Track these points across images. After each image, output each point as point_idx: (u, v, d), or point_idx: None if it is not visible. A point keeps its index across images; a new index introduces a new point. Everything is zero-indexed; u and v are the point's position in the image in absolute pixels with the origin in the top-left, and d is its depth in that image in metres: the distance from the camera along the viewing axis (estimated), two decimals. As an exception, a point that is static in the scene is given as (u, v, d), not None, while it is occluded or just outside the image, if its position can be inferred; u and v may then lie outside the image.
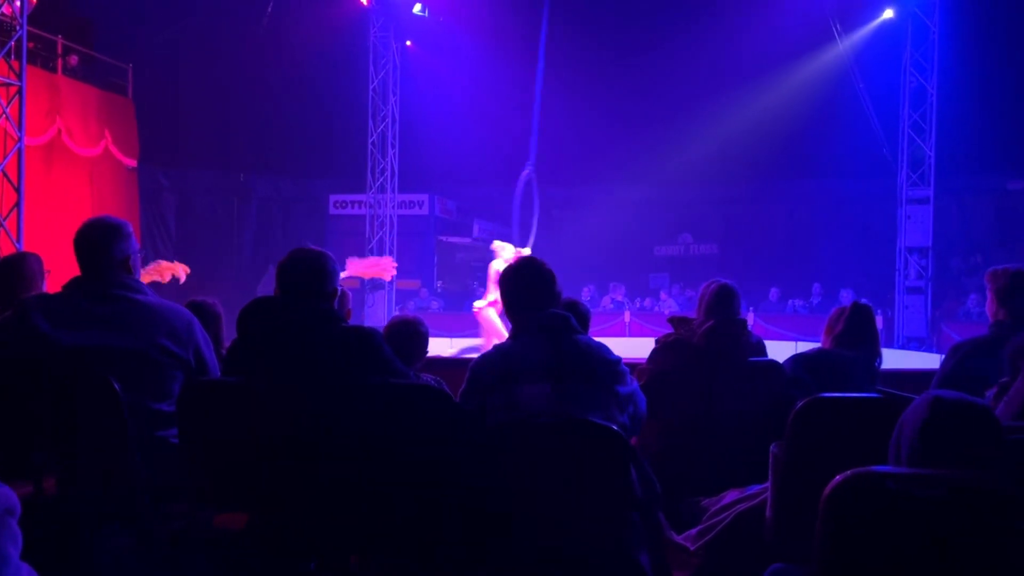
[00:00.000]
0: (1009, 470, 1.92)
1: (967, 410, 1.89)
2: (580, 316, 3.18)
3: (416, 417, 2.44)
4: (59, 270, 3.86)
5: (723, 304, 3.70)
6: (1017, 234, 15.77)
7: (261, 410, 2.52)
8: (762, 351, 3.97)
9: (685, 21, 14.67)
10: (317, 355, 2.49)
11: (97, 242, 2.75)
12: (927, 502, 1.82)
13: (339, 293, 2.77)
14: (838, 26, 13.49)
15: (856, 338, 3.57)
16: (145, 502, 2.60)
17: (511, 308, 2.75)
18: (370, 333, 2.57)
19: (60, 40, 12.17)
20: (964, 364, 3.49)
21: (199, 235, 17.61)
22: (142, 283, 2.82)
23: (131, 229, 2.86)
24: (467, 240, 18.23)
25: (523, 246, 10.07)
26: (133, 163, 13.95)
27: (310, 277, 2.60)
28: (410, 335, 3.27)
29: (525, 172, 10.45)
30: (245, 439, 2.54)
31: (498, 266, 8.87)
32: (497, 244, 9.35)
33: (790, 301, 15.11)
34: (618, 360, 2.72)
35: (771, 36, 14.11)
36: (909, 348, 12.69)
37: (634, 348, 14.23)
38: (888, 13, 13.44)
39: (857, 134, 14.72)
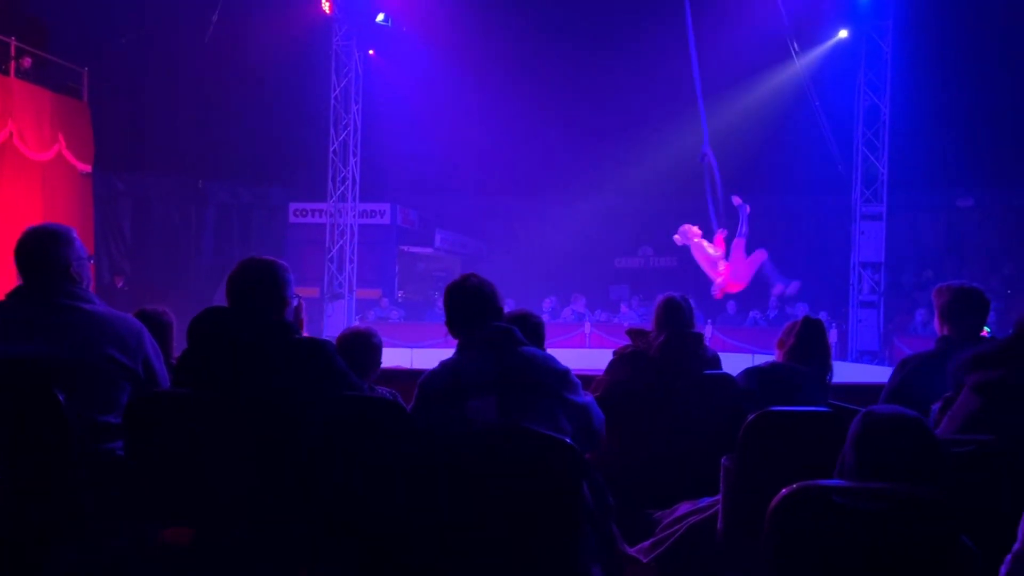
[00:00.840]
0: (947, 482, 1.97)
1: (899, 423, 1.93)
2: (530, 328, 3.19)
3: (369, 430, 2.42)
4: (8, 278, 3.77)
5: (672, 317, 3.74)
6: (966, 250, 16.20)
7: (210, 422, 2.49)
8: (717, 364, 4.02)
9: (646, 34, 14.81)
10: (268, 367, 2.47)
11: (38, 250, 2.67)
12: (870, 515, 1.85)
13: (293, 303, 2.74)
14: (795, 45, 13.75)
15: (807, 352, 3.64)
16: (91, 516, 2.54)
17: (454, 325, 2.77)
18: (322, 345, 2.55)
19: (13, 42, 11.90)
20: (910, 379, 3.56)
21: (155, 242, 17.31)
22: (89, 291, 2.76)
23: (75, 235, 2.78)
24: (428, 250, 18.19)
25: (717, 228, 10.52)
26: (87, 168, 13.67)
27: (261, 287, 2.57)
28: (363, 347, 3.25)
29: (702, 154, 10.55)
30: (193, 452, 2.50)
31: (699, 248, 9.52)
32: (687, 227, 9.76)
33: (750, 313, 15.29)
34: (566, 370, 2.74)
35: (730, 53, 14.31)
36: (862, 361, 12.93)
37: (594, 359, 14.29)
38: (843, 34, 13.74)
39: (813, 151, 15.00)
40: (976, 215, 16.79)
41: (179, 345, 3.66)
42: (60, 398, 2.45)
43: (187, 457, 2.49)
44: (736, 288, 10.48)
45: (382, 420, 2.43)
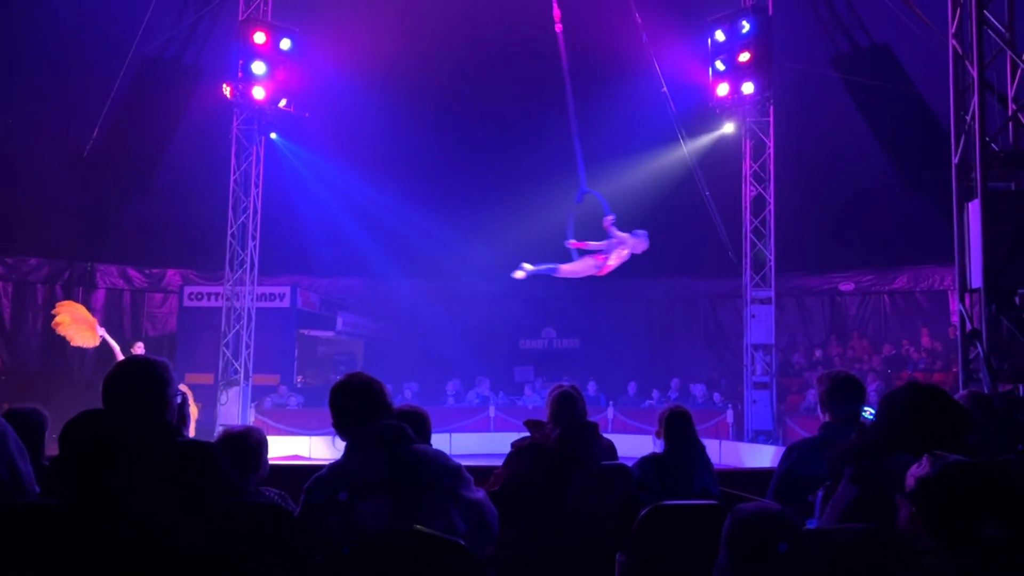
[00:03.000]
0: (824, 571, 2.03)
1: (763, 520, 2.00)
2: (418, 423, 3.16)
3: (253, 539, 2.32)
4: None
5: (566, 409, 3.78)
6: (848, 331, 17.06)
7: (83, 535, 2.33)
8: (613, 454, 4.07)
9: (539, 115, 15.33)
10: (147, 474, 2.34)
11: None
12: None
13: (176, 402, 2.64)
14: (683, 133, 14.47)
15: (682, 442, 3.73)
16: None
17: (343, 426, 2.72)
18: (204, 448, 2.45)
19: None
20: (796, 465, 3.68)
21: (37, 328, 16.45)
22: None
23: None
24: (330, 333, 17.87)
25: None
26: (-37, 250, 12.99)
27: (139, 388, 2.47)
28: (246, 448, 3.13)
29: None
30: (65, 567, 2.33)
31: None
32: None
33: (652, 393, 15.56)
34: (459, 466, 2.72)
35: (619, 137, 14.95)
36: (758, 441, 13.28)
37: (499, 443, 14.21)
38: (728, 128, 14.56)
39: (707, 236, 15.65)
40: (857, 298, 17.77)
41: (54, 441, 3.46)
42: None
43: (58, 573, 2.32)
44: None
45: (267, 528, 2.33)
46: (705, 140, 15.06)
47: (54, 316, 11.81)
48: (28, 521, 2.41)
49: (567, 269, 11.20)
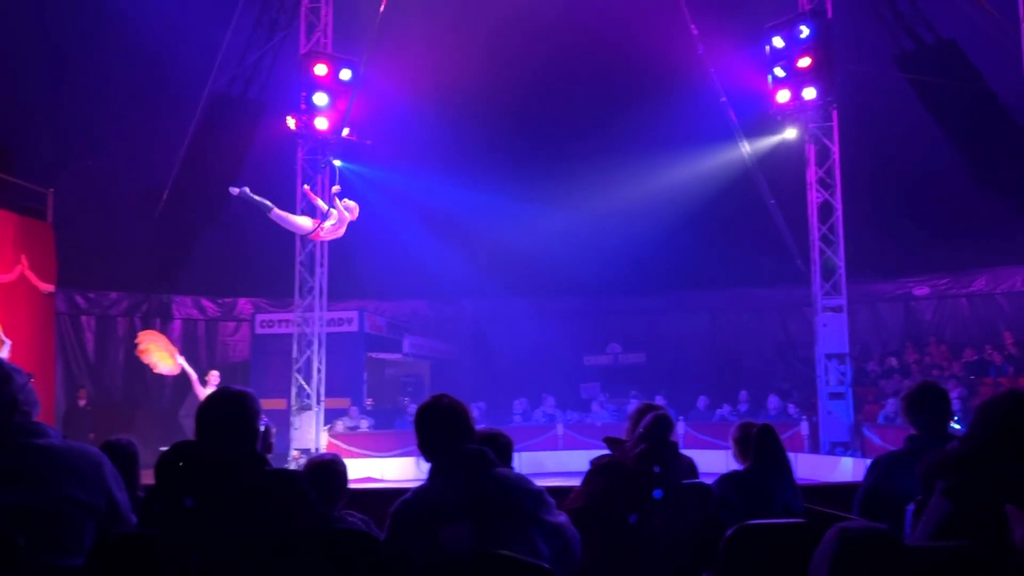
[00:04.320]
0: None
1: (872, 539, 1.94)
2: (500, 448, 3.17)
3: (342, 564, 2.37)
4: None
5: (658, 431, 3.75)
6: (925, 337, 16.51)
7: (180, 563, 2.41)
8: (693, 472, 4.03)
9: (607, 134, 15.37)
10: (239, 502, 2.42)
11: None
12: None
13: (261, 431, 2.71)
14: (744, 141, 14.28)
15: (769, 459, 3.66)
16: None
17: (426, 448, 2.74)
18: (292, 478, 2.51)
19: (-25, 167, 12.02)
20: (883, 479, 3.58)
21: (119, 358, 17.08)
22: (41, 425, 2.69)
23: (9, 369, 2.71)
24: (397, 356, 18.09)
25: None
26: (50, 287, 13.60)
27: (229, 420, 2.55)
28: (330, 476, 3.20)
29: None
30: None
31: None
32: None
33: (723, 406, 15.33)
34: (540, 490, 2.72)
35: (679, 148, 14.90)
36: (835, 453, 12.93)
37: (568, 461, 14.15)
38: (790, 133, 14.27)
39: (773, 245, 15.39)
40: (932, 302, 17.21)
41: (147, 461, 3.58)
42: (20, 543, 2.37)
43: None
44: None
45: (354, 553, 2.38)
46: (765, 146, 14.81)
47: (137, 345, 12.26)
48: (127, 551, 2.50)
49: (279, 215, 11.40)
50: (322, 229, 11.14)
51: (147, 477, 3.77)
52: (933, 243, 16.15)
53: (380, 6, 13.49)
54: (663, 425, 3.78)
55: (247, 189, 11.19)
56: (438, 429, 2.72)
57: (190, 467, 2.49)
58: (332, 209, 11.29)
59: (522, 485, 2.66)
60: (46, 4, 13.95)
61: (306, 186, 11.60)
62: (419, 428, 2.76)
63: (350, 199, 11.61)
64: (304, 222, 11.41)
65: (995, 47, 11.64)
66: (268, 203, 11.31)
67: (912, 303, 17.38)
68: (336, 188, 11.20)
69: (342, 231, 11.29)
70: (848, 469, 11.95)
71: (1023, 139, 13.35)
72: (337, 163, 15.36)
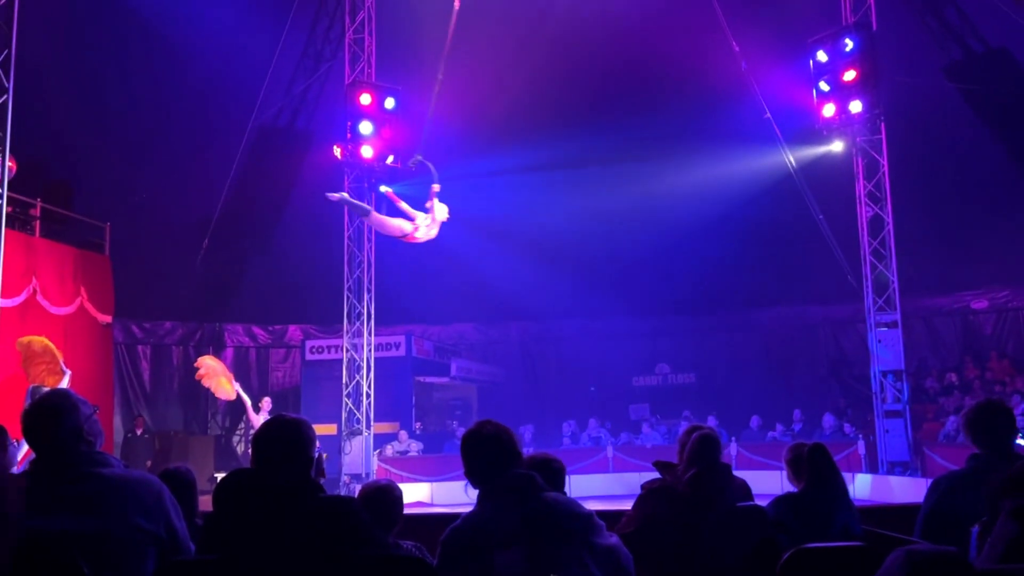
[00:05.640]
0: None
1: (942, 562, 1.89)
2: (553, 474, 3.16)
3: (397, 591, 2.38)
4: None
5: (705, 452, 3.71)
6: (985, 352, 16.05)
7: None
8: (748, 495, 3.96)
9: (642, 164, 15.41)
10: (296, 529, 2.45)
11: (45, 427, 2.69)
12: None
13: (316, 458, 2.74)
14: (790, 157, 14.12)
15: (823, 480, 3.59)
16: None
17: (474, 475, 2.74)
18: (347, 504, 2.53)
19: (39, 203, 12.45)
20: (945, 500, 3.48)
21: (174, 387, 17.46)
22: (105, 454, 2.77)
23: (75, 399, 2.80)
24: (444, 380, 18.17)
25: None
26: (108, 319, 13.99)
27: (285, 448, 2.58)
28: (385, 502, 3.22)
29: None
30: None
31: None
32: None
33: (776, 426, 15.05)
34: (590, 513, 2.70)
35: (724, 163, 14.80)
36: (894, 473, 12.59)
37: (618, 484, 13.98)
38: (837, 147, 14.08)
39: (822, 260, 15.13)
40: (992, 316, 16.74)
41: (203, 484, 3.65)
42: (85, 571, 2.43)
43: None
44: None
45: (410, 580, 2.38)
46: (811, 159, 14.61)
47: (197, 369, 12.55)
48: (188, 576, 2.54)
49: (377, 219, 11.32)
50: (418, 229, 11.11)
51: (204, 504, 3.85)
52: (990, 255, 15.73)
53: (423, 35, 13.70)
54: (708, 446, 3.73)
55: (346, 194, 11.46)
56: (483, 455, 2.72)
57: (247, 495, 2.53)
58: (421, 213, 11.09)
59: (572, 509, 2.65)
60: (99, 44, 14.46)
61: (387, 189, 11.50)
62: (465, 455, 2.77)
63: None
64: (403, 225, 11.41)
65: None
66: (366, 206, 11.55)
67: (971, 316, 16.92)
68: (436, 187, 11.14)
69: (435, 232, 11.20)
70: (908, 490, 11.61)
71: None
72: (384, 189, 15.57)
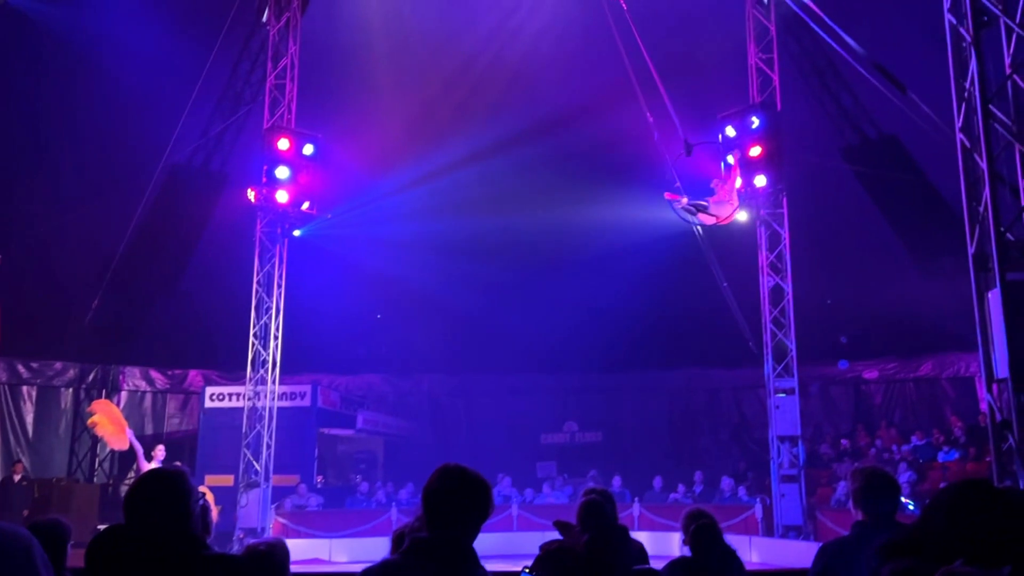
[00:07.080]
0: None
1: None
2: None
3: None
4: None
5: (590, 519, 3.74)
6: (876, 420, 16.76)
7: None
8: (644, 558, 3.99)
9: (557, 213, 15.68)
10: (171, 589, 2.33)
11: None
12: None
13: (197, 511, 2.62)
14: (698, 227, 14.61)
15: (709, 555, 3.66)
16: None
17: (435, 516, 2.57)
18: (232, 563, 2.43)
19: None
20: (831, 566, 3.58)
21: (60, 433, 16.54)
22: None
23: None
24: (350, 432, 17.77)
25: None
26: (-9, 357, 13.21)
27: (161, 502, 2.46)
28: (270, 567, 3.07)
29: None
30: None
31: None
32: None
33: (678, 487, 15.21)
34: None
35: (635, 229, 15.20)
36: (789, 537, 12.88)
37: (521, 543, 13.85)
38: (741, 217, 14.64)
39: (727, 326, 15.60)
40: (882, 386, 17.53)
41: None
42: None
43: None
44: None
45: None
46: (718, 228, 15.14)
47: (91, 415, 11.91)
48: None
49: (716, 209, 11.61)
50: (736, 211, 11.40)
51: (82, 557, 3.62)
52: (881, 328, 16.57)
53: (344, 83, 13.75)
54: (593, 512, 3.76)
55: (685, 199, 11.45)
56: (459, 503, 2.59)
57: (123, 553, 2.39)
58: (708, 198, 11.36)
59: None
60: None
61: (681, 198, 11.59)
62: (442, 492, 2.61)
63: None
64: (721, 211, 11.45)
65: (933, 143, 12.20)
66: (701, 203, 11.70)
67: (863, 386, 17.67)
68: (732, 158, 11.21)
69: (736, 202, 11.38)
70: (801, 554, 11.88)
71: (962, 229, 13.88)
72: (297, 233, 15.36)
